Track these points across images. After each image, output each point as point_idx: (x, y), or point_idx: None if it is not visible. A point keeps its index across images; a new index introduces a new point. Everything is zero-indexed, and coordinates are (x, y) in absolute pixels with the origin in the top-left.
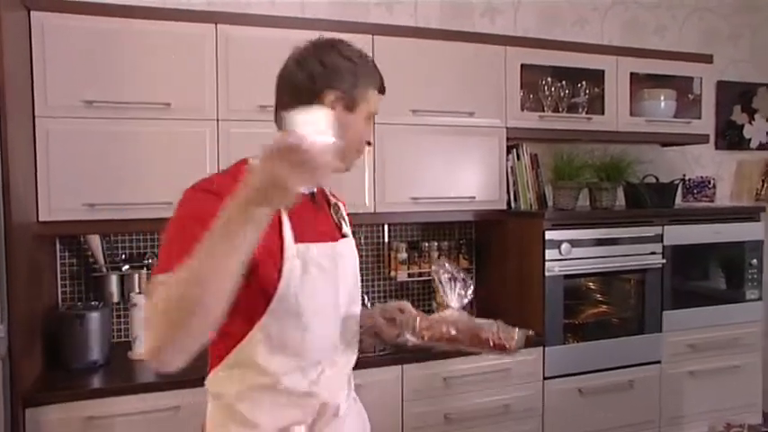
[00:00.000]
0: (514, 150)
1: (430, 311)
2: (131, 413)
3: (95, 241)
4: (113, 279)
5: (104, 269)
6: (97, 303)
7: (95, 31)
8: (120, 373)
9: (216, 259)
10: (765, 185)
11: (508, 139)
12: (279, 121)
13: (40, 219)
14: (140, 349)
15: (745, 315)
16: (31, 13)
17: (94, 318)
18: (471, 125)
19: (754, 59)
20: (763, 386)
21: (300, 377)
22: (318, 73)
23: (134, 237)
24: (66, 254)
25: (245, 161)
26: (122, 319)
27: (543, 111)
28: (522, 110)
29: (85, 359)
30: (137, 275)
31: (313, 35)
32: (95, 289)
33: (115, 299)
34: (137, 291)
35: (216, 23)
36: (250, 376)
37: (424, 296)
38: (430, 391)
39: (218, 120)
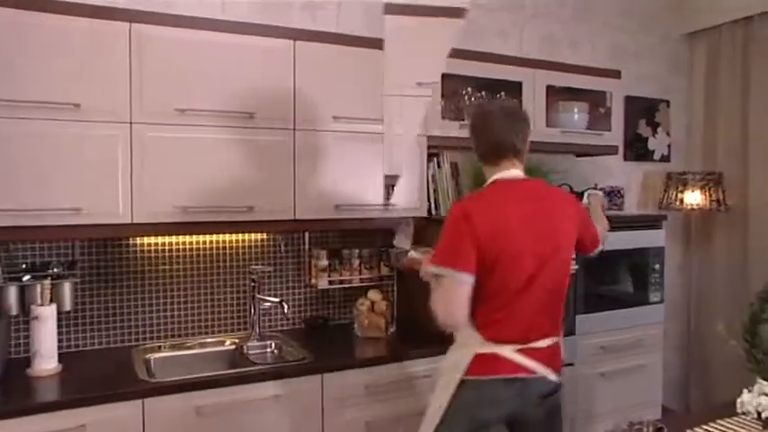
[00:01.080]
0: (435, 158)
1: (350, 319)
2: None
3: None
4: (12, 290)
5: (2, 280)
6: None
7: None
8: (18, 392)
9: None
10: (666, 195)
11: (429, 147)
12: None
13: None
14: (40, 365)
15: (649, 317)
16: None
17: None
18: None
19: (655, 77)
20: (662, 383)
21: None
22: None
23: (37, 245)
24: None
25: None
26: (21, 333)
27: (464, 120)
28: (443, 119)
29: None
30: (39, 286)
31: (232, 38)
32: None
33: (13, 312)
34: (38, 302)
35: (130, 22)
36: None
37: (345, 303)
38: (351, 399)
39: (131, 123)
